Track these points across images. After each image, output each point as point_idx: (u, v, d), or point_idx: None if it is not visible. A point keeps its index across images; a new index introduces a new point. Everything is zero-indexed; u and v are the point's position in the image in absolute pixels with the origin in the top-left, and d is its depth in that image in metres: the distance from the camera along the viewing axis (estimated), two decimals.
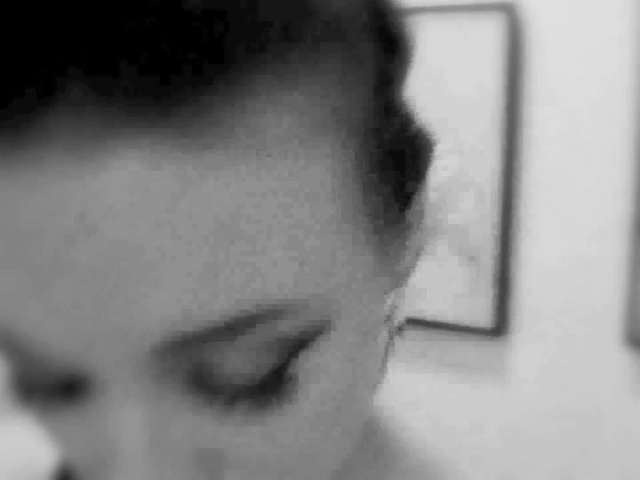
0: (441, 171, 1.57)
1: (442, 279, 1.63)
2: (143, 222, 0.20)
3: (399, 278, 0.31)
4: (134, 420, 0.23)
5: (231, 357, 0.23)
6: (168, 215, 0.20)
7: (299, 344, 0.24)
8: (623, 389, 1.55)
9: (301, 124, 0.22)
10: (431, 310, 1.65)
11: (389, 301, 0.31)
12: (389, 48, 0.26)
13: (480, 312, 1.61)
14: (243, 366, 0.23)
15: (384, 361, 0.33)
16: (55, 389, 0.25)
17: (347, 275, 0.25)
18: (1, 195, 0.21)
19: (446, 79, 1.56)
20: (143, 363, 0.23)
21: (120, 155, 0.20)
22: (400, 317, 0.33)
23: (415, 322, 1.67)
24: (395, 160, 0.27)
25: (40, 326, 0.22)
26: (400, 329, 0.34)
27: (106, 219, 0.20)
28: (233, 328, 0.22)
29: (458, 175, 1.57)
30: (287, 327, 0.23)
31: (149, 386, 0.23)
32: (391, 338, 0.33)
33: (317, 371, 0.25)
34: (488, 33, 1.52)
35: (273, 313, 0.23)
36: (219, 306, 0.22)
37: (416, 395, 1.73)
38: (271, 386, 0.24)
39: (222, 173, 0.21)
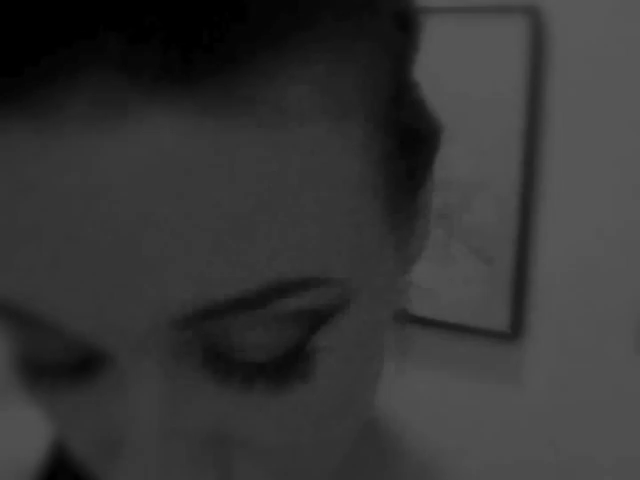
0: (459, 172, 1.57)
1: (458, 281, 1.62)
2: (170, 191, 0.20)
3: (407, 264, 0.31)
4: (149, 397, 0.23)
5: (249, 332, 0.23)
6: (196, 185, 0.20)
7: (319, 320, 0.24)
8: (638, 394, 1.54)
9: (325, 100, 0.22)
10: (447, 312, 1.65)
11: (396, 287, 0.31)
12: (402, 26, 0.26)
13: (496, 315, 1.60)
14: (261, 342, 0.23)
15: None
16: (67, 368, 0.25)
17: (369, 254, 0.25)
18: (23, 167, 0.20)
19: (467, 81, 1.56)
20: (161, 338, 0.22)
21: (153, 123, 0.20)
22: (402, 306, 0.33)
23: (431, 323, 1.67)
24: (409, 142, 0.27)
25: (56, 301, 0.22)
26: (400, 318, 0.34)
27: (131, 189, 0.20)
28: (252, 301, 0.22)
29: (477, 177, 1.57)
30: (306, 302, 0.23)
31: (166, 363, 0.23)
32: (394, 327, 0.33)
33: (333, 351, 0.25)
34: (511, 36, 1.51)
35: (293, 287, 0.22)
36: (238, 279, 0.21)
37: (431, 396, 1.73)
38: (289, 364, 0.24)
39: (251, 146, 0.21)
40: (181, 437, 0.24)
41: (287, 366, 0.24)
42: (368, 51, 0.24)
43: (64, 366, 0.25)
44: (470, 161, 1.57)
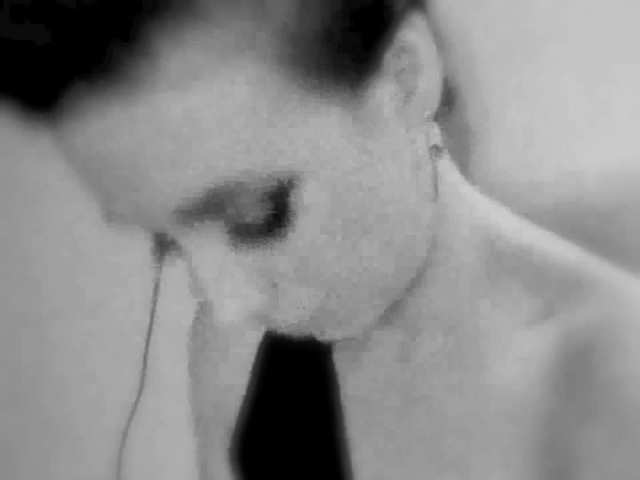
0: None
1: None
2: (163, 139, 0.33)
3: (414, 119, 0.38)
4: (202, 254, 0.37)
5: (246, 209, 0.35)
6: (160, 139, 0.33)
7: (280, 194, 0.35)
8: None
9: (226, 43, 0.32)
10: None
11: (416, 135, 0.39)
12: None
13: None
14: (253, 211, 0.35)
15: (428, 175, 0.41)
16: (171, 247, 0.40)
17: (307, 140, 0.35)
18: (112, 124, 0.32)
19: None
20: (191, 221, 0.35)
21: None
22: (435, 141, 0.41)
23: None
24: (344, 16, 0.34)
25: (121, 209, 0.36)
26: (437, 149, 0.42)
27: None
28: (241, 188, 0.34)
29: None
30: (266, 184, 0.34)
31: (206, 236, 0.36)
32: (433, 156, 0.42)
33: (310, 200, 0.35)
34: None
35: (258, 180, 0.34)
36: (237, 173, 0.34)
37: None
38: (275, 218, 0.35)
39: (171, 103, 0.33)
40: (239, 269, 0.37)
41: (271, 224, 0.36)
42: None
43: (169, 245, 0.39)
44: None
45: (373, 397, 0.47)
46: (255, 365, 0.53)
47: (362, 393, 0.47)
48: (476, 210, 0.45)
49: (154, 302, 0.47)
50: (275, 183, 0.34)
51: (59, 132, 0.34)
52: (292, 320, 0.39)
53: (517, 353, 0.42)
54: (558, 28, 1.38)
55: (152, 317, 0.49)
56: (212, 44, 0.32)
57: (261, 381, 0.53)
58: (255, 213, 0.35)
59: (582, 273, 0.42)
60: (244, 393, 0.54)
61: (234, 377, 0.54)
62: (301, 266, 0.37)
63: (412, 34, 0.36)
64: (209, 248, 0.36)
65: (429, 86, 0.38)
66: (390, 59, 0.36)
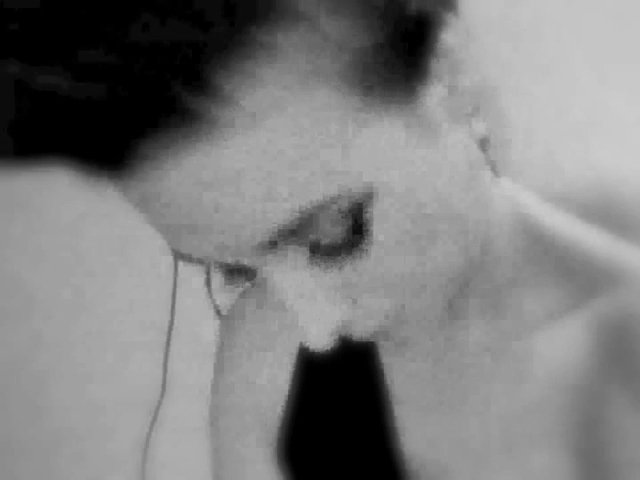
0: None
1: None
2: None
3: (460, 116, 0.39)
4: (283, 277, 0.38)
5: (324, 229, 0.36)
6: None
7: (358, 210, 0.36)
8: None
9: (295, 75, 0.32)
10: None
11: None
12: None
13: None
14: (333, 232, 0.36)
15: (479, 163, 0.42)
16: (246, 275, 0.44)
17: (376, 155, 0.35)
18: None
19: None
20: (274, 246, 0.36)
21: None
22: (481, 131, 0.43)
23: None
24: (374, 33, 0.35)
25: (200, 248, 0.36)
26: (484, 141, 0.43)
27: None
28: (322, 212, 0.35)
29: None
30: (346, 203, 0.35)
31: (291, 258, 0.38)
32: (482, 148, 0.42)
33: (383, 213, 0.37)
34: None
35: (337, 201, 0.35)
36: (319, 196, 0.34)
37: None
38: (353, 235, 0.36)
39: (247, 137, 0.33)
40: (320, 290, 0.38)
41: (351, 241, 0.37)
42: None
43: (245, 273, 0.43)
44: None
45: (420, 387, 0.48)
46: (298, 361, 0.54)
47: (409, 383, 0.49)
48: (512, 198, 0.47)
49: (173, 306, 0.47)
50: (353, 202, 0.35)
51: (128, 183, 0.34)
52: (373, 328, 0.41)
53: (558, 339, 0.44)
54: (557, 27, 1.39)
55: (172, 321, 0.49)
56: (283, 79, 0.32)
57: (306, 377, 0.53)
58: (335, 233, 0.36)
59: (615, 260, 0.44)
60: (287, 390, 0.54)
61: (276, 373, 0.55)
62: (377, 277, 0.38)
63: (450, 35, 0.37)
64: (293, 273, 0.38)
65: (470, 83, 0.39)
66: (434, 62, 0.37)
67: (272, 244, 0.35)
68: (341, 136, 0.34)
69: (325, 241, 0.36)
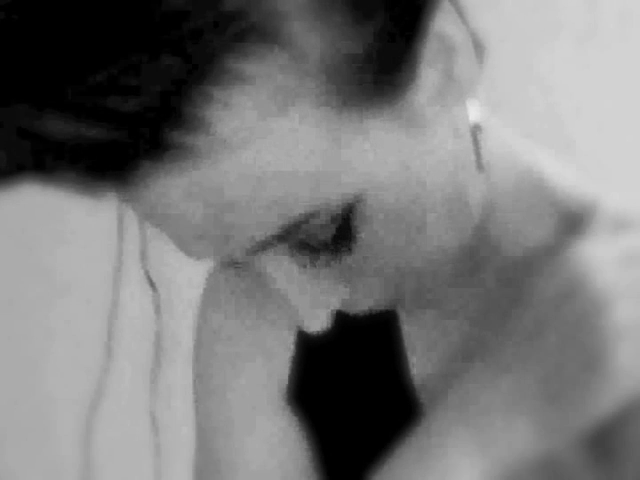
0: None
1: None
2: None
3: (454, 101, 0.39)
4: (276, 268, 0.40)
5: (314, 231, 0.37)
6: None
7: (346, 213, 0.37)
8: None
9: (271, 98, 0.33)
10: None
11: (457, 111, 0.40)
12: None
13: None
14: (322, 232, 0.38)
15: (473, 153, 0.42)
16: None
17: (367, 158, 0.36)
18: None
19: None
20: (264, 247, 0.37)
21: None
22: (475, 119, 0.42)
23: None
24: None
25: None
26: (477, 128, 0.42)
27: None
28: (313, 217, 0.37)
29: None
30: (334, 209, 0.37)
31: (279, 254, 0.40)
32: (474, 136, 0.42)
33: (372, 210, 0.38)
34: None
35: (329, 206, 0.37)
36: (308, 206, 0.36)
37: None
38: (342, 233, 0.38)
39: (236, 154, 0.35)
40: (311, 276, 0.40)
41: (341, 240, 0.39)
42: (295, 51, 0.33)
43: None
44: None
45: (437, 347, 0.49)
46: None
47: (426, 343, 0.50)
48: (522, 161, 0.48)
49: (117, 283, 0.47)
50: (344, 205, 0.37)
51: (128, 194, 0.36)
52: (371, 305, 0.43)
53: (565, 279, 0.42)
54: (556, 28, 1.39)
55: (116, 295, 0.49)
56: (261, 101, 0.33)
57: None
58: (324, 233, 0.38)
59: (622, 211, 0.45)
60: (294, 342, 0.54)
61: (276, 342, 0.54)
62: (368, 265, 0.41)
63: (442, 20, 0.37)
64: (285, 265, 0.40)
65: (465, 67, 0.38)
66: (426, 49, 0.37)
67: (263, 245, 0.37)
68: (323, 149, 0.35)
69: (314, 241, 0.38)
